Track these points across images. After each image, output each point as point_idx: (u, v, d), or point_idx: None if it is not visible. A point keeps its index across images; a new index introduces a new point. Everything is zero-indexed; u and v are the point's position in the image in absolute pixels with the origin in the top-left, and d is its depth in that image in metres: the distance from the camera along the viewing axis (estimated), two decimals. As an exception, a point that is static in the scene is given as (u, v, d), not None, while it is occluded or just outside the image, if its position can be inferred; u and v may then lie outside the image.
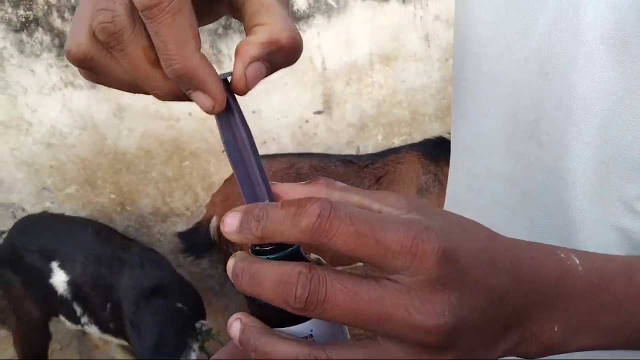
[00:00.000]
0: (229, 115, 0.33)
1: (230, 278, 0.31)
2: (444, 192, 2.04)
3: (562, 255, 0.34)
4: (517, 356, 0.33)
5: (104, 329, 1.73)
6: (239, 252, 0.32)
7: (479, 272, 0.29)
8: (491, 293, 0.30)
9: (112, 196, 2.25)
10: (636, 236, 0.49)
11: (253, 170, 0.33)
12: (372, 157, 1.97)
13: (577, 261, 0.34)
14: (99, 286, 1.64)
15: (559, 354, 0.34)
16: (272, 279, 0.28)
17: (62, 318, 1.84)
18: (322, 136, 2.16)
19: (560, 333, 0.33)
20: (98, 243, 1.79)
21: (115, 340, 1.82)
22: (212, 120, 1.99)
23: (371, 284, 0.28)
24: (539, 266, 0.33)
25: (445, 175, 1.92)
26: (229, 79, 0.32)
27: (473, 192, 0.64)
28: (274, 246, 0.31)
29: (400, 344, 0.28)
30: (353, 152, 2.15)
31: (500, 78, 0.54)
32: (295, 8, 1.97)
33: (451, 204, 0.73)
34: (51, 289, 1.74)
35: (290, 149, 2.13)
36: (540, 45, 0.49)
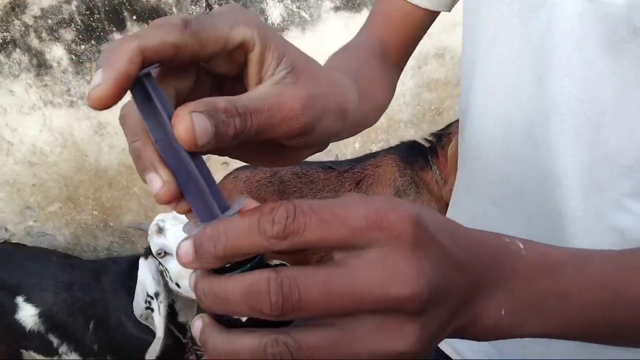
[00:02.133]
0: (151, 107, 0.28)
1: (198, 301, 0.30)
2: (420, 195, 2.08)
3: (507, 240, 0.35)
4: (463, 337, 0.33)
5: (86, 354, 1.64)
6: (197, 271, 0.30)
7: (443, 240, 0.29)
8: (455, 263, 0.30)
9: (95, 213, 2.26)
10: (630, 233, 0.51)
11: (194, 173, 0.29)
12: (352, 163, 2.02)
13: (521, 245, 0.35)
14: (76, 309, 1.56)
15: (508, 338, 0.34)
16: (240, 292, 0.27)
17: (32, 353, 1.72)
18: (301, 145, 2.22)
19: (507, 317, 0.33)
20: (65, 269, 1.68)
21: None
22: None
23: (340, 270, 0.27)
24: (484, 246, 0.33)
25: (421, 178, 1.99)
26: (152, 72, 0.29)
27: (471, 194, 0.66)
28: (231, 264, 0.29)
29: (373, 318, 0.28)
30: (332, 159, 2.20)
31: (499, 83, 0.57)
32: (269, 21, 2.03)
33: (453, 207, 0.76)
34: (18, 325, 1.62)
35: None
36: (536, 52, 0.51)
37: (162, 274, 1.40)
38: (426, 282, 0.27)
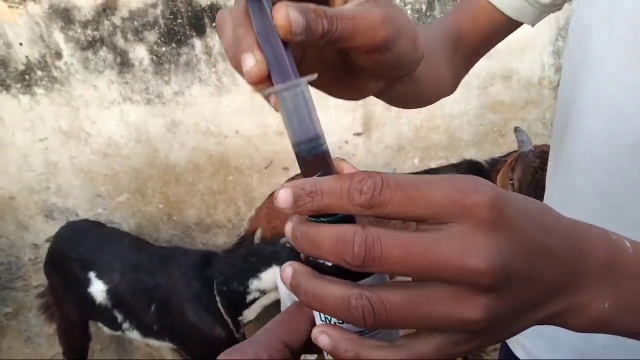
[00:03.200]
0: (257, 4, 0.33)
1: (290, 240, 0.33)
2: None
3: (614, 236, 0.36)
4: (560, 325, 0.35)
5: (145, 333, 1.77)
6: (295, 216, 0.33)
7: (527, 225, 0.31)
8: (541, 249, 0.31)
9: (160, 206, 2.38)
10: None
11: (281, 54, 0.33)
12: (411, 177, 2.06)
13: (628, 244, 0.35)
14: (139, 291, 1.69)
15: (603, 332, 0.35)
16: (330, 240, 0.30)
17: (100, 324, 1.90)
18: (360, 157, 2.26)
19: (609, 310, 0.33)
20: (134, 252, 1.83)
21: (156, 343, 1.89)
22: (257, 139, 2.10)
23: (423, 235, 0.29)
24: (591, 239, 0.34)
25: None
26: None
27: (569, 205, 0.67)
28: None
29: (449, 286, 0.30)
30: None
31: (607, 102, 0.59)
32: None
33: None
34: (90, 298, 1.79)
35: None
36: None
37: None
38: (502, 260, 0.29)
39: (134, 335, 1.80)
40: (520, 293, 0.31)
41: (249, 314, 1.66)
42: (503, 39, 0.74)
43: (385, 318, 0.29)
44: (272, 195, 2.09)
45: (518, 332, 0.33)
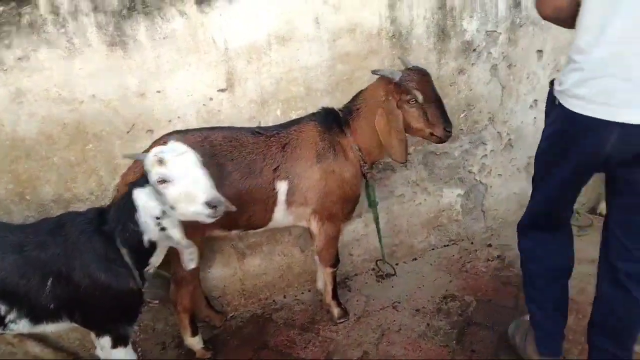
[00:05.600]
0: None
1: None
2: (337, 157, 2.32)
3: None
4: None
5: (38, 318, 1.62)
6: None
7: None
8: None
9: (10, 186, 2.18)
10: None
11: None
12: (277, 128, 2.19)
13: None
14: (29, 270, 1.55)
15: None
16: None
17: None
18: (226, 113, 2.32)
19: None
20: (7, 233, 1.63)
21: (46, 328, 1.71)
22: (116, 102, 2.06)
23: None
24: None
25: (338, 143, 2.21)
26: None
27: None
28: None
29: None
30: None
31: None
32: (193, -7, 2.10)
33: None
34: None
35: (196, 126, 2.25)
36: None
37: None
38: None
39: (20, 326, 1.63)
40: None
41: (155, 259, 1.67)
42: None
43: None
44: (136, 161, 2.03)
45: None
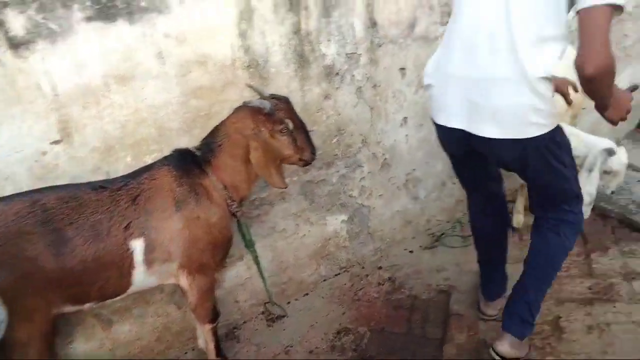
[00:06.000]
0: None
1: None
2: (200, 202, 2.12)
3: None
4: None
5: None
6: None
7: None
8: None
9: None
10: None
11: None
12: (125, 179, 1.93)
13: None
14: None
15: None
16: None
17: None
18: (64, 167, 2.02)
19: None
20: None
21: None
22: None
23: None
24: None
25: (199, 185, 2.01)
26: None
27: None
28: None
29: None
30: (102, 178, 2.06)
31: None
32: (11, 34, 1.81)
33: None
34: None
35: (29, 186, 1.93)
36: None
37: None
38: None
39: None
40: None
41: None
42: None
43: None
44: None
45: None
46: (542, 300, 2.20)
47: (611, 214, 3.37)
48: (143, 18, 2.03)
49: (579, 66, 1.53)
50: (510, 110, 1.78)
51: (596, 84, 1.57)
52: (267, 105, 2.01)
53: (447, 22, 2.98)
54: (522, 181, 2.85)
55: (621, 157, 2.72)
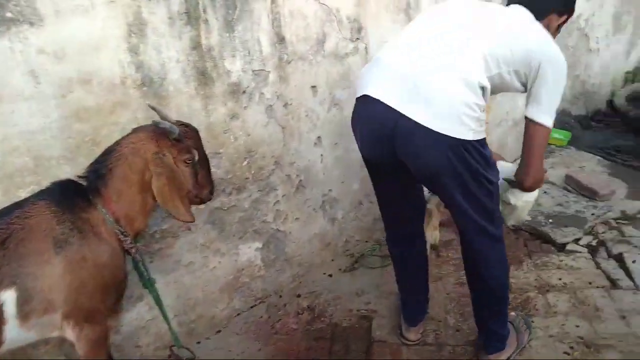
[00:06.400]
0: None
1: None
2: (86, 240, 1.84)
3: None
4: None
5: None
6: None
7: None
8: None
9: None
10: None
11: None
12: (-10, 219, 1.63)
13: None
14: None
15: None
16: None
17: None
18: None
19: None
20: None
21: None
22: None
23: None
24: None
25: (84, 221, 1.74)
26: None
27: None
28: None
29: None
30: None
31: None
32: None
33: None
34: None
35: None
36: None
37: None
38: None
39: None
40: None
41: None
42: None
43: None
44: None
45: None
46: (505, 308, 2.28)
47: (522, 227, 3.43)
48: (10, 30, 1.75)
49: (520, 179, 1.94)
50: (445, 99, 1.69)
51: (532, 189, 2.00)
52: (176, 130, 1.80)
53: (357, 39, 2.93)
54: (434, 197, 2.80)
55: (525, 194, 2.11)
